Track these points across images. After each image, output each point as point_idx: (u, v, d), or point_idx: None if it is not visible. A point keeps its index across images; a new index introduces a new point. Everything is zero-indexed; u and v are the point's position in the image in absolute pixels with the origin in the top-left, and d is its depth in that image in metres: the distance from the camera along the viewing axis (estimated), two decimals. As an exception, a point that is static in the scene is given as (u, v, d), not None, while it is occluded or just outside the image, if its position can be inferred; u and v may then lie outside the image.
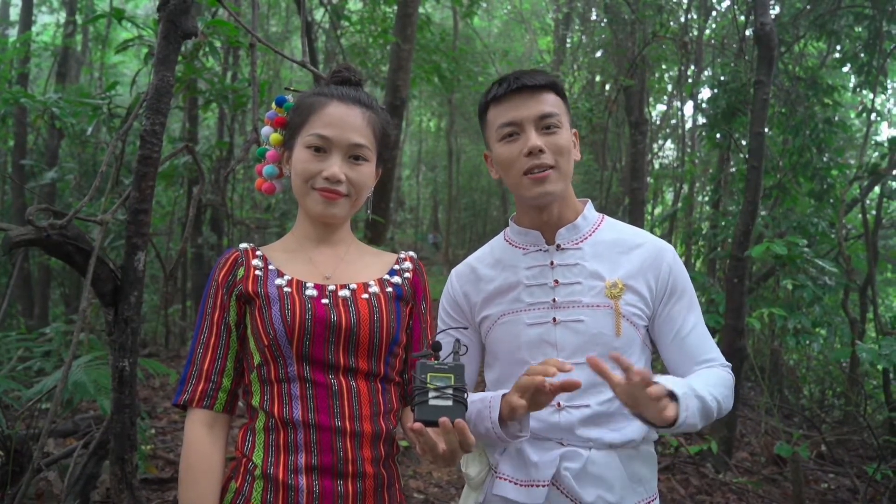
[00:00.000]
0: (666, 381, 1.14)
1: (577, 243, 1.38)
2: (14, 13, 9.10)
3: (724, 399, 1.26)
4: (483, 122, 1.41)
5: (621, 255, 1.37)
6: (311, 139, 1.22)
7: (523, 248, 1.42)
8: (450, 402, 1.03)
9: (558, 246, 1.38)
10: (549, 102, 1.33)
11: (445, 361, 1.07)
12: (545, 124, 1.31)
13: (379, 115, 1.28)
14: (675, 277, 1.37)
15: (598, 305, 1.33)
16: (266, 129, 1.32)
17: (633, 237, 1.40)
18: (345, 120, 1.22)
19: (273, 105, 1.32)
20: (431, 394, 1.03)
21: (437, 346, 1.10)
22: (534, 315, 1.35)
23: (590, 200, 1.46)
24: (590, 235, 1.40)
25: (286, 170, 1.30)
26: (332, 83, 1.30)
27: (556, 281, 1.36)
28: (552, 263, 1.37)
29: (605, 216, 1.46)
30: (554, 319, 1.34)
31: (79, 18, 7.04)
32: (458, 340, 1.13)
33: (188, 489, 1.17)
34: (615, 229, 1.42)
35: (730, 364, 1.39)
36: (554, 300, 1.35)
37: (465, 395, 1.05)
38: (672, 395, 1.13)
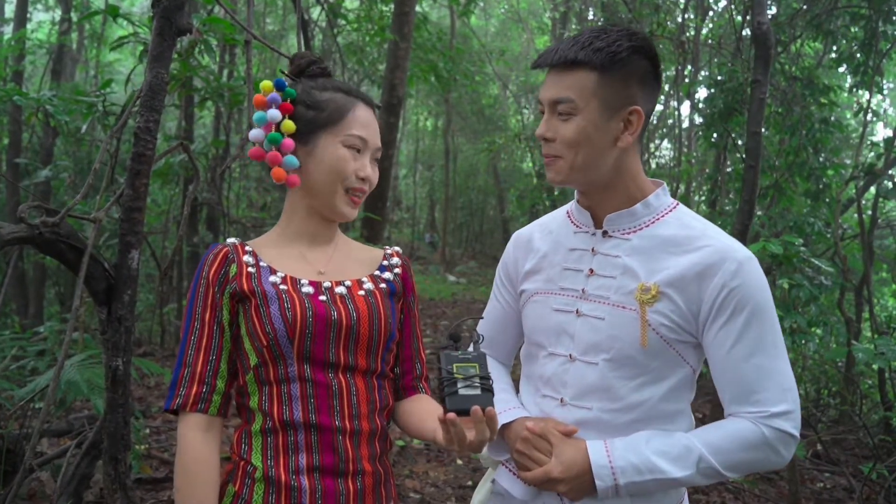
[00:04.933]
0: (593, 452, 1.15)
1: (626, 233, 1.22)
2: (9, 10, 9.05)
3: (727, 464, 1.12)
4: None
5: (671, 255, 1.18)
6: (352, 140, 1.22)
7: (576, 226, 1.30)
8: (478, 391, 1.03)
9: (605, 232, 1.24)
10: (567, 84, 1.15)
11: (468, 351, 1.07)
12: (558, 110, 1.18)
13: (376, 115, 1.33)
14: (730, 292, 1.13)
15: (623, 307, 1.18)
16: (274, 113, 1.19)
17: (697, 237, 1.18)
18: (372, 123, 1.26)
19: (272, 87, 1.20)
20: (460, 383, 1.03)
21: (455, 337, 1.10)
22: (561, 301, 1.26)
23: (664, 184, 1.26)
24: (647, 226, 1.21)
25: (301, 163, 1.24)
26: (316, 76, 1.26)
27: (591, 270, 1.24)
28: (593, 250, 1.25)
29: (679, 205, 1.25)
30: (577, 311, 1.23)
31: (74, 16, 7.01)
32: (476, 330, 1.13)
33: (187, 497, 1.14)
34: (680, 223, 1.21)
35: (786, 410, 1.11)
36: (583, 290, 1.23)
37: (491, 382, 1.05)
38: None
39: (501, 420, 1.27)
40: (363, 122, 1.23)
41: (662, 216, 1.22)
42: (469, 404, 1.02)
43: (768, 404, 1.12)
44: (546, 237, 1.34)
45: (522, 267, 1.36)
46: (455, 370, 1.04)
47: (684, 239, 1.19)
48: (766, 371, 1.13)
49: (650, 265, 1.18)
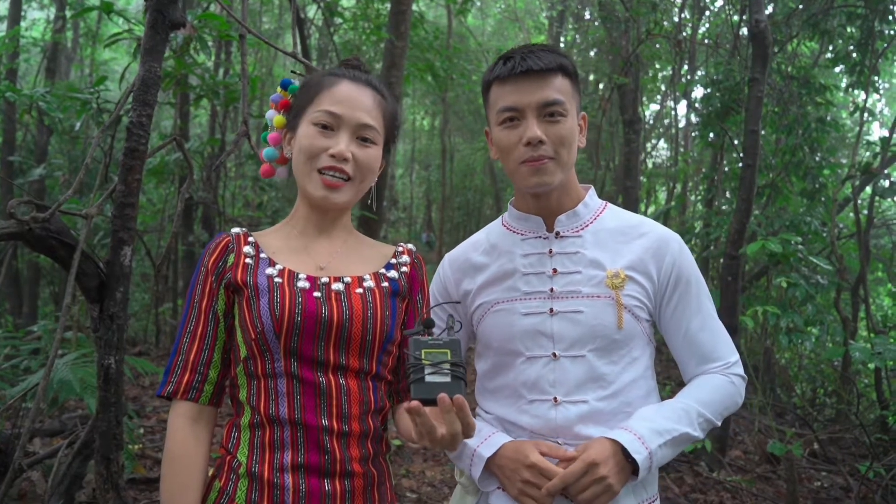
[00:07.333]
0: (622, 438, 1.17)
1: (577, 231, 1.32)
2: (3, 8, 9.00)
3: (716, 413, 1.27)
4: (485, 99, 1.34)
5: (623, 243, 1.31)
6: (319, 115, 1.17)
7: (521, 234, 1.35)
8: (448, 379, 0.96)
9: (557, 234, 1.32)
10: (556, 87, 1.24)
11: (440, 337, 1.01)
12: (549, 112, 1.24)
13: (389, 101, 1.25)
14: (679, 269, 1.30)
15: (598, 296, 1.26)
16: (270, 113, 1.28)
17: (637, 225, 1.34)
18: (355, 99, 1.18)
19: (278, 88, 1.29)
20: (427, 370, 0.96)
21: (429, 324, 1.04)
22: (529, 305, 1.29)
23: (592, 187, 1.39)
24: (591, 223, 1.33)
25: (287, 151, 1.25)
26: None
27: (555, 270, 1.30)
28: (550, 251, 1.31)
29: (609, 203, 1.39)
30: (551, 310, 1.28)
31: (68, 14, 6.96)
32: (451, 316, 1.07)
33: (170, 483, 1.13)
34: (618, 217, 1.36)
35: (736, 359, 1.34)
36: (552, 290, 1.29)
37: (464, 370, 0.98)
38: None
39: (485, 452, 1.25)
40: (338, 97, 1.17)
41: (599, 214, 1.36)
42: (436, 392, 0.94)
43: (726, 357, 1.33)
44: (490, 251, 1.38)
45: (470, 285, 1.38)
46: (423, 356, 0.97)
47: (628, 228, 1.33)
48: (717, 332, 1.33)
49: (610, 254, 1.30)
